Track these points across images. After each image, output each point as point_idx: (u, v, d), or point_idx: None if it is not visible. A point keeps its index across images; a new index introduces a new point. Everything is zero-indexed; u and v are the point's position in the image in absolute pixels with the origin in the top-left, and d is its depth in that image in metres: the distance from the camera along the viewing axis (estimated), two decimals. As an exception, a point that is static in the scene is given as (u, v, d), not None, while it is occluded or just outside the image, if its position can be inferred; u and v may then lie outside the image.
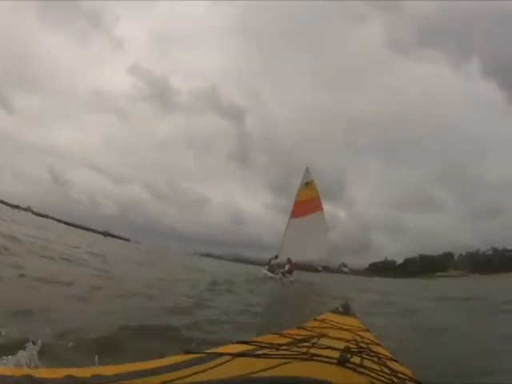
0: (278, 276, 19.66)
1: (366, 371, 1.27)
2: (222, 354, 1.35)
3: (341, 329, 2.48)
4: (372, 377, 1.23)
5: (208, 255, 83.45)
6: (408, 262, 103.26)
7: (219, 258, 79.56)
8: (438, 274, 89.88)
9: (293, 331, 2.17)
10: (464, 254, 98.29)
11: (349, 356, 1.37)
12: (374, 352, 1.79)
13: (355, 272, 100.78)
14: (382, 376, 1.28)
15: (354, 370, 1.27)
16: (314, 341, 1.85)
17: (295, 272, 20.73)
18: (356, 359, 1.43)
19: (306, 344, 1.75)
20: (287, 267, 20.29)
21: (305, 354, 1.42)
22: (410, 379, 1.47)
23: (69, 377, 1.01)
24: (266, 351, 1.46)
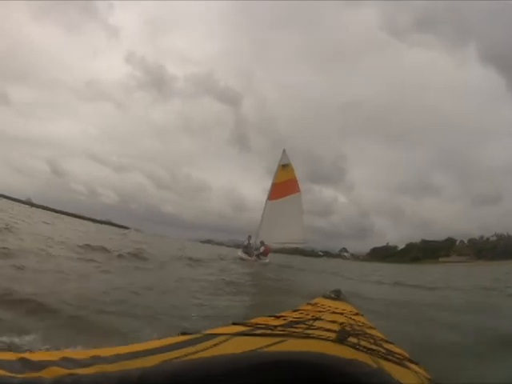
0: (253, 258, 19.62)
1: (365, 349, 1.28)
2: (218, 335, 1.34)
3: (334, 312, 2.52)
4: (371, 354, 1.23)
5: (208, 241, 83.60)
6: (410, 248, 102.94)
7: (219, 244, 79.57)
8: (441, 259, 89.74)
9: (287, 313, 2.21)
10: (466, 240, 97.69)
11: (346, 335, 1.40)
12: (369, 334, 1.83)
13: (356, 257, 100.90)
14: (380, 354, 1.30)
15: (353, 347, 1.26)
16: (309, 323, 1.87)
17: (271, 254, 20.81)
18: (353, 339, 1.44)
19: (301, 325, 1.75)
20: (262, 249, 20.27)
21: (302, 333, 1.44)
22: (407, 359, 1.49)
23: (65, 359, 1.00)
24: (262, 331, 1.47)
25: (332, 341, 1.29)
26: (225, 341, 1.27)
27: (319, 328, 1.64)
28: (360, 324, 2.18)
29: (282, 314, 2.17)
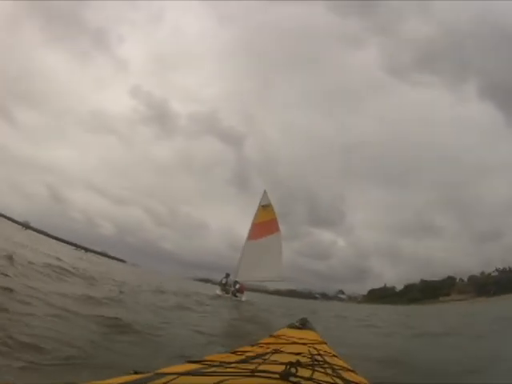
0: (228, 295, 20.06)
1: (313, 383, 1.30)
2: (168, 374, 1.39)
3: (296, 343, 2.46)
4: None
5: (206, 280, 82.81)
6: (409, 289, 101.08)
7: (214, 283, 78.50)
8: (441, 299, 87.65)
9: (247, 348, 2.18)
10: (466, 277, 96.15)
11: (293, 370, 1.39)
12: (328, 364, 1.80)
13: (353, 299, 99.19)
14: None
15: (297, 383, 1.29)
16: (266, 357, 1.85)
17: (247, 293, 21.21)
18: (306, 372, 1.46)
19: (257, 360, 1.75)
20: (238, 286, 20.73)
21: (250, 370, 1.44)
22: None
23: None
24: (214, 369, 1.49)
25: (276, 378, 1.31)
26: (172, 380, 1.30)
27: (272, 362, 1.64)
28: (322, 353, 2.14)
29: (241, 349, 2.14)
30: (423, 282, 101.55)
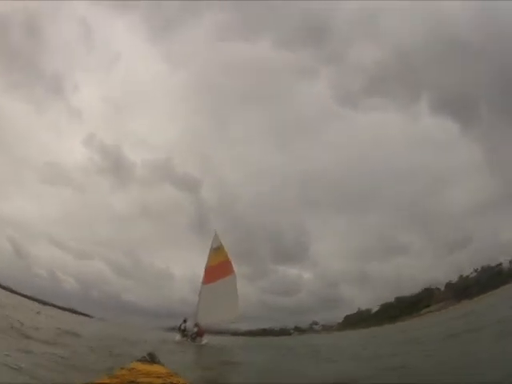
0: (187, 340, 20.51)
1: None
2: None
3: (150, 376, 2.55)
4: None
5: (173, 329, 79.81)
6: (384, 308, 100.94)
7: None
8: (422, 311, 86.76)
9: (104, 380, 2.25)
10: (443, 286, 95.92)
11: None
12: None
13: (329, 328, 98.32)
14: None
15: None
16: None
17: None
18: None
19: None
20: (195, 330, 21.14)
21: None
22: None
23: None
24: None
25: None
26: None
27: None
28: None
29: (99, 380, 2.22)
30: (398, 299, 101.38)
